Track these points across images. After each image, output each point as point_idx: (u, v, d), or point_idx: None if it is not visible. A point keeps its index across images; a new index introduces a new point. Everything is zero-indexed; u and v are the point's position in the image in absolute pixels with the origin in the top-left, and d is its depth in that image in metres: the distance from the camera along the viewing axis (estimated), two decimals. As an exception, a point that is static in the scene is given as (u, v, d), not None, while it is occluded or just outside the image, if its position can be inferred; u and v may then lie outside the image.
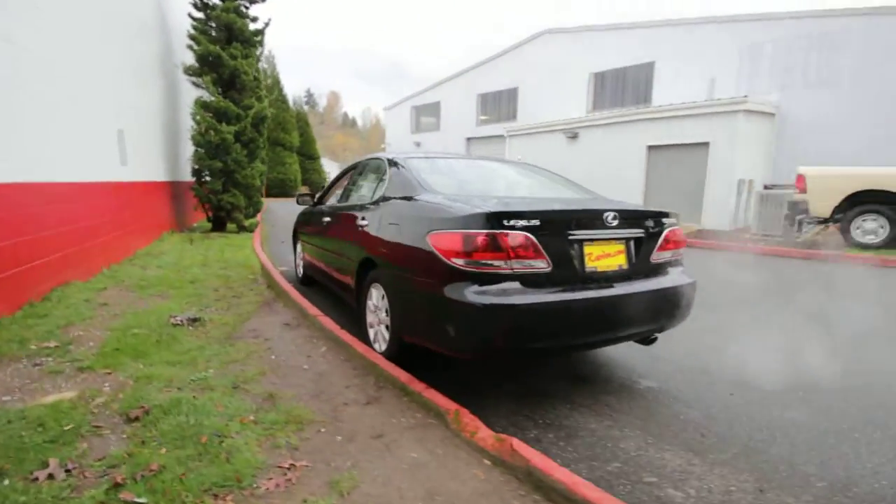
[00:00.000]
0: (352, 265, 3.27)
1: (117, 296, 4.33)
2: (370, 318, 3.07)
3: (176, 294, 4.53)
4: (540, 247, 2.19)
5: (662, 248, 2.61)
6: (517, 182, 3.30)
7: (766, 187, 12.28)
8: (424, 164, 3.18)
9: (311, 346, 3.17)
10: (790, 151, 13.71)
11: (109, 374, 2.60)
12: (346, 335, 3.17)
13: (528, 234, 2.17)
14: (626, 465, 1.95)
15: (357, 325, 3.37)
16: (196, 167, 9.36)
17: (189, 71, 9.31)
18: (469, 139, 24.68)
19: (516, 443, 1.88)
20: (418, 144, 27.50)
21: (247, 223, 10.20)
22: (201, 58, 9.20)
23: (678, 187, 13.98)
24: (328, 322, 3.47)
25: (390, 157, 3.38)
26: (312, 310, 3.81)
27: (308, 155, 27.47)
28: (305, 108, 49.83)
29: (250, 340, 3.27)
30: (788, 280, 6.42)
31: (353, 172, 4.04)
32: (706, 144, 13.34)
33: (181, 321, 3.53)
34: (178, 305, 4.10)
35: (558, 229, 2.27)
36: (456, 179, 3.04)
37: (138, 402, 2.23)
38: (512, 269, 2.15)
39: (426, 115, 27.99)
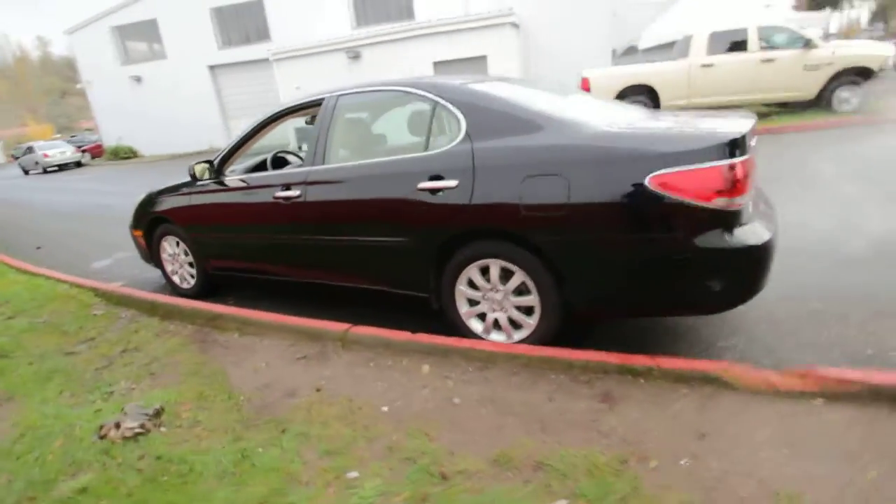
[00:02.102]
0: (415, 252, 2.29)
1: None
2: (483, 306, 2.27)
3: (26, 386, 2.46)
4: None
5: None
6: (566, 100, 2.74)
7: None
8: (488, 87, 2.30)
9: (409, 372, 2.19)
10: (536, 60, 15.85)
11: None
12: (470, 341, 2.29)
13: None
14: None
15: (427, 324, 2.48)
16: None
17: None
18: (213, 67, 20.21)
19: (835, 371, 1.74)
20: (139, 80, 21.11)
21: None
22: None
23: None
24: (394, 334, 2.44)
25: (420, 84, 2.33)
26: (326, 324, 2.61)
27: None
28: None
29: (323, 406, 2.04)
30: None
31: (322, 120, 2.63)
32: (484, 58, 14.26)
33: (131, 430, 1.92)
34: (76, 400, 2.26)
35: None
36: (540, 104, 2.28)
37: None
38: (744, 202, 1.81)
39: (138, 38, 21.33)
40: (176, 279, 3.67)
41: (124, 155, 21.21)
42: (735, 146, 1.72)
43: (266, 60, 17.74)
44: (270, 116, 2.89)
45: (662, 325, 2.52)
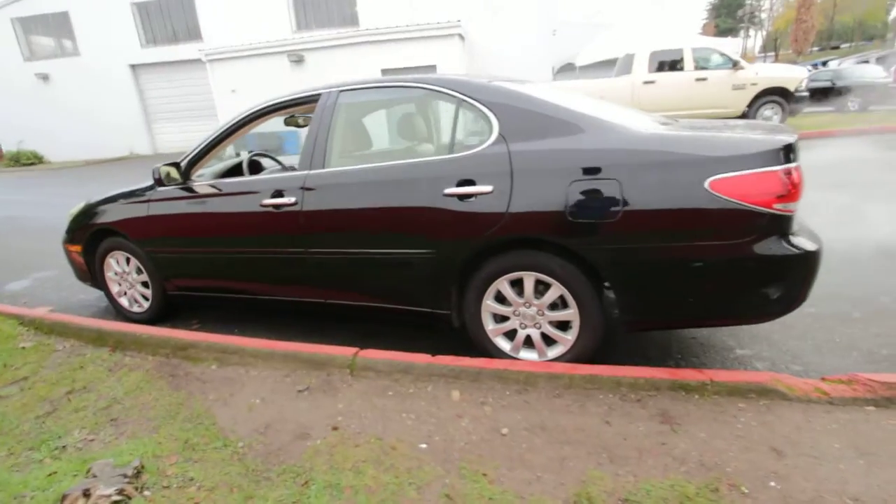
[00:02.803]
0: (437, 265, 2.06)
1: None
2: (512, 322, 2.08)
3: None
4: None
5: None
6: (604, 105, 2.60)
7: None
8: (515, 86, 2.13)
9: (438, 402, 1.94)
10: (479, 72, 16.14)
11: None
12: (478, 361, 2.07)
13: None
14: None
15: (445, 343, 2.25)
16: None
17: None
18: (135, 67, 18.57)
19: (879, 377, 1.74)
20: (46, 78, 18.88)
21: None
22: None
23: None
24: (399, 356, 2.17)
25: (441, 81, 2.12)
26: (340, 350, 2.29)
27: None
28: None
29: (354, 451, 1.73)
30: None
31: (319, 118, 2.31)
32: (433, 67, 14.22)
33: (107, 499, 1.51)
34: (17, 461, 1.76)
35: None
36: (579, 107, 2.13)
37: None
38: (796, 209, 1.79)
39: (45, 32, 19.11)
40: (124, 302, 3.15)
41: (27, 160, 18.78)
42: (790, 151, 1.69)
43: (197, 61, 16.62)
44: (253, 113, 2.54)
45: (676, 335, 2.48)
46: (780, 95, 9.45)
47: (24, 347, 2.79)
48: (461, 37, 14.27)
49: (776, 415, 1.71)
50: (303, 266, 2.37)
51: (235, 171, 2.95)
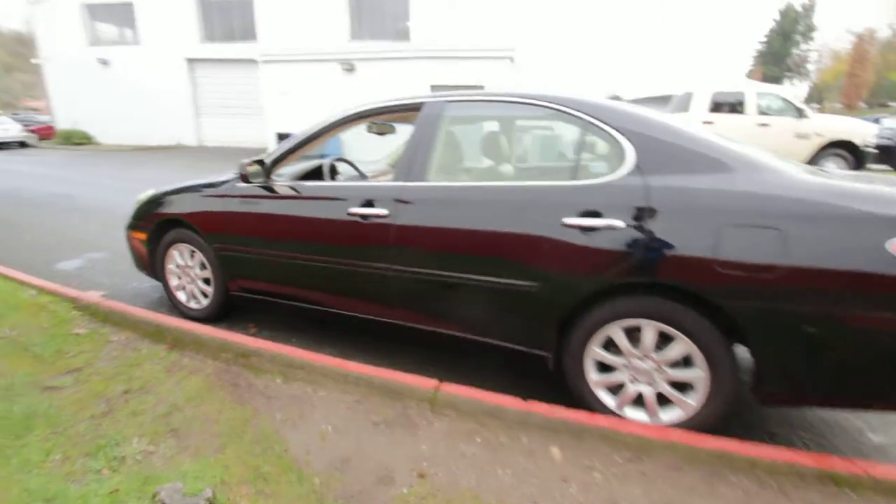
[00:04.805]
0: (543, 300, 1.85)
1: None
2: (621, 375, 1.85)
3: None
4: None
5: None
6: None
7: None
8: (647, 112, 1.94)
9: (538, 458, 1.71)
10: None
11: None
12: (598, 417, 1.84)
13: None
14: None
15: (551, 394, 2.02)
16: None
17: None
18: (191, 61, 19.13)
19: None
20: (106, 63, 19.63)
21: None
22: None
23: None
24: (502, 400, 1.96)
25: (566, 101, 1.93)
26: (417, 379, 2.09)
27: None
28: None
29: None
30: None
31: (422, 128, 2.16)
32: (481, 87, 14.22)
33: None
34: (73, 468, 1.60)
35: None
36: (708, 140, 1.91)
37: None
38: None
39: (110, 20, 19.93)
40: (181, 296, 3.02)
41: (78, 140, 19.46)
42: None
43: (250, 61, 17.05)
44: (347, 117, 2.41)
45: (792, 409, 2.20)
46: (845, 149, 9.06)
47: (78, 334, 2.68)
48: (511, 59, 14.28)
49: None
50: (385, 283, 2.20)
51: (314, 174, 2.82)
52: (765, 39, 51.31)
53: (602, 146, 1.87)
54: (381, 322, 2.29)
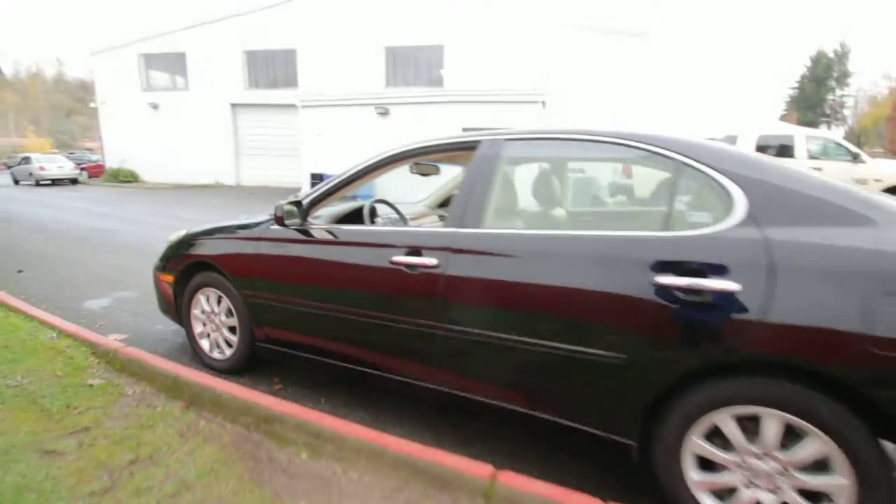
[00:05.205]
0: (629, 376, 1.52)
1: None
2: (731, 477, 1.46)
3: None
4: None
5: None
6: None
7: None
8: (750, 153, 1.65)
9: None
10: None
11: None
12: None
13: None
14: None
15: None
16: None
17: None
18: (235, 105, 20.12)
19: None
20: (156, 107, 20.83)
21: None
22: None
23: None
24: None
25: (655, 140, 1.66)
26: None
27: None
28: None
29: None
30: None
31: (477, 168, 1.91)
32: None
33: None
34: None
35: None
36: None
37: None
38: None
39: (163, 68, 21.29)
40: (204, 344, 2.79)
41: (124, 178, 20.44)
42: None
43: (288, 105, 17.83)
44: (392, 156, 2.20)
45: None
46: (904, 195, 8.45)
47: (91, 385, 2.45)
48: (543, 104, 14.35)
49: None
50: (432, 343, 1.90)
51: (353, 217, 2.60)
52: (796, 85, 50.81)
53: (703, 191, 1.57)
54: (433, 390, 1.97)
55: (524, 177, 2.11)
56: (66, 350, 2.83)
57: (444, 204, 3.57)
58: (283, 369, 2.77)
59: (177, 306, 2.88)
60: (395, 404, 2.38)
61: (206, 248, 2.68)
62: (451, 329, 1.84)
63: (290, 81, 19.34)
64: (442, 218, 3.28)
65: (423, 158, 2.27)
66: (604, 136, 1.76)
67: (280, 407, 2.12)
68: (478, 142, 2.00)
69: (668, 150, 1.62)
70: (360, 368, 2.18)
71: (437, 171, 2.86)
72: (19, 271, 5.10)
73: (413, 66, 18.63)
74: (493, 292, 1.75)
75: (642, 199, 1.71)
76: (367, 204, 2.52)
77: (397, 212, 2.77)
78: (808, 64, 49.05)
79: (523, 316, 1.70)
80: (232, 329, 2.65)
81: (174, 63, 20.77)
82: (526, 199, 2.13)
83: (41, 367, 2.62)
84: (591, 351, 1.58)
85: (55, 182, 19.17)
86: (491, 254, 1.77)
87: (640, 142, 1.68)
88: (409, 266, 1.93)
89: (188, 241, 2.82)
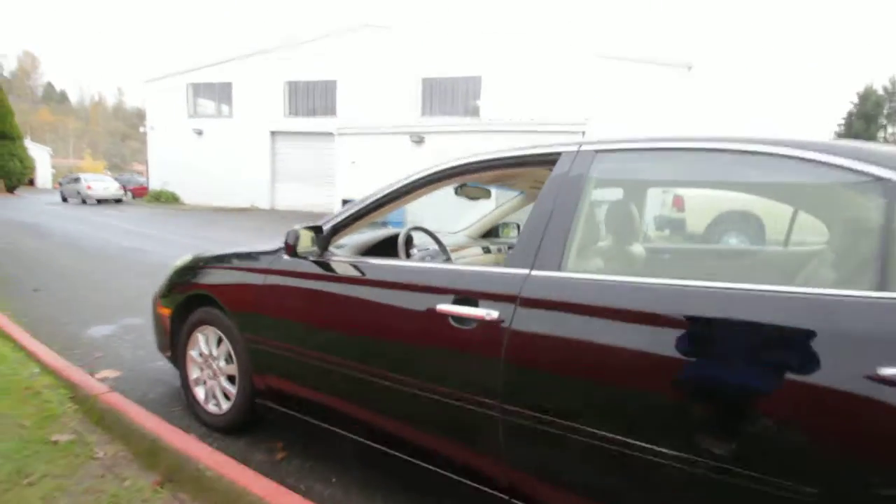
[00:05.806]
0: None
1: None
2: None
3: None
4: None
5: None
6: None
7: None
8: None
9: None
10: None
11: None
12: None
13: None
14: None
15: None
16: None
17: None
18: (274, 133, 20.58)
19: None
20: (200, 133, 21.55)
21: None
22: None
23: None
24: None
25: (843, 151, 1.10)
26: None
27: (2, 134, 19.11)
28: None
29: None
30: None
31: (558, 190, 1.38)
32: (551, 161, 13.79)
33: None
34: None
35: None
36: None
37: None
38: None
39: (210, 97, 22.14)
40: (199, 393, 2.31)
41: (166, 199, 21.06)
42: None
43: (325, 133, 18.08)
44: (438, 172, 1.71)
45: None
46: None
47: (56, 442, 1.99)
48: (583, 133, 13.89)
49: None
50: (488, 427, 1.34)
51: (384, 247, 2.12)
52: (842, 122, 48.53)
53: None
54: (483, 491, 1.41)
55: (626, 200, 1.56)
56: (44, 391, 2.41)
57: (489, 234, 3.06)
58: (288, 430, 2.25)
59: (173, 344, 2.43)
60: (423, 486, 1.80)
61: (206, 278, 2.24)
62: (514, 411, 1.29)
63: (329, 110, 19.68)
64: (487, 251, 2.76)
65: (479, 175, 1.77)
66: (748, 143, 1.19)
67: (277, 499, 1.58)
68: (559, 153, 1.48)
69: (867, 162, 1.05)
70: (382, 448, 1.64)
71: (487, 196, 2.36)
72: (35, 290, 4.85)
73: (450, 97, 18.64)
74: (579, 361, 1.19)
75: (832, 236, 1.14)
76: (402, 232, 2.03)
77: (439, 243, 2.26)
78: (855, 101, 46.96)
79: (621, 398, 1.14)
80: (231, 378, 2.16)
81: (220, 92, 21.57)
82: (627, 232, 1.57)
83: (8, 412, 2.20)
84: (757, 477, 0.98)
85: (100, 201, 19.84)
86: (574, 307, 1.22)
87: (820, 151, 1.10)
88: (458, 319, 1.40)
89: (193, 267, 2.39)
